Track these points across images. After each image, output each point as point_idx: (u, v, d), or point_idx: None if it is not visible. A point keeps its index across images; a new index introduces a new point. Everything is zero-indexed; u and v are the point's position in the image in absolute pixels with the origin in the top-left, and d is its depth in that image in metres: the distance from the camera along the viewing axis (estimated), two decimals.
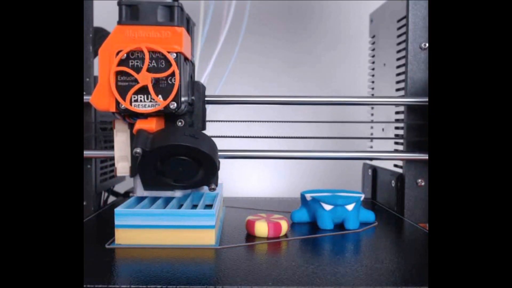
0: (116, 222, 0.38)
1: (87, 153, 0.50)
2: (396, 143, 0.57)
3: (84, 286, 0.29)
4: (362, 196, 0.46)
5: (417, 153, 0.51)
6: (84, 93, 0.50)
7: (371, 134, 0.66)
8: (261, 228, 0.41)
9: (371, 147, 0.66)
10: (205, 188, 0.43)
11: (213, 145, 0.41)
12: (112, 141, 0.43)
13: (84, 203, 0.52)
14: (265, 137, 0.52)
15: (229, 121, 0.52)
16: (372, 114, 0.66)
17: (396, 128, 0.57)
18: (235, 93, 0.51)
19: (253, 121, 0.53)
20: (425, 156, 0.50)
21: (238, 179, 0.78)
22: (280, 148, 0.53)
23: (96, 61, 0.44)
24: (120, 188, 0.66)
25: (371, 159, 0.55)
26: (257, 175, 0.79)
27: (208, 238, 0.38)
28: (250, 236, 0.41)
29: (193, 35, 0.47)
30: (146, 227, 0.38)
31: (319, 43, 0.79)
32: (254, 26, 0.76)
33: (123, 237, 0.38)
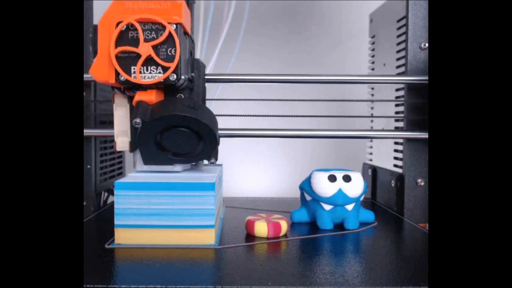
0: (116, 222, 0.38)
1: (87, 131, 0.51)
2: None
3: (84, 286, 0.29)
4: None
5: (417, 132, 0.51)
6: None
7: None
8: (261, 228, 0.41)
9: (371, 147, 0.66)
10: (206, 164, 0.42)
11: (213, 117, 0.41)
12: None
13: (84, 203, 0.52)
14: (264, 116, 0.51)
15: (229, 99, 0.52)
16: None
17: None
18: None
19: (252, 100, 0.52)
20: (425, 135, 0.50)
21: (238, 179, 0.78)
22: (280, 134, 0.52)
23: None
24: None
25: (371, 137, 0.54)
26: (257, 174, 0.79)
27: (208, 237, 0.38)
28: (250, 236, 0.41)
29: (193, 12, 0.46)
30: (146, 226, 0.38)
31: (319, 43, 0.79)
32: (253, 27, 0.76)
33: (123, 237, 0.38)
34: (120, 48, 0.37)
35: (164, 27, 0.37)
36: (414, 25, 0.51)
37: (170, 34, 0.37)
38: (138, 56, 0.37)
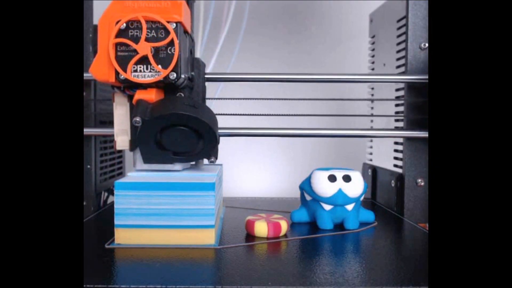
0: (116, 222, 0.38)
1: (87, 130, 0.51)
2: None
3: (84, 286, 0.29)
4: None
5: (417, 131, 0.51)
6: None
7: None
8: (261, 228, 0.41)
9: (371, 147, 0.66)
10: (206, 163, 0.42)
11: (213, 116, 0.41)
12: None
13: (84, 203, 0.52)
14: (264, 115, 0.51)
15: (229, 98, 0.52)
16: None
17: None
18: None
19: (252, 99, 0.52)
20: (425, 134, 0.50)
21: (238, 179, 0.78)
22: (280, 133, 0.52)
23: None
24: None
25: (371, 137, 0.54)
26: (257, 174, 0.79)
27: (208, 237, 0.38)
28: (250, 236, 0.41)
29: (193, 11, 0.46)
30: (146, 226, 0.38)
31: (319, 43, 0.79)
32: (253, 27, 0.76)
33: (123, 237, 0.38)
34: (119, 39, 0.37)
35: (164, 26, 0.37)
36: (414, 25, 0.51)
37: (169, 34, 0.37)
38: (137, 53, 0.37)
